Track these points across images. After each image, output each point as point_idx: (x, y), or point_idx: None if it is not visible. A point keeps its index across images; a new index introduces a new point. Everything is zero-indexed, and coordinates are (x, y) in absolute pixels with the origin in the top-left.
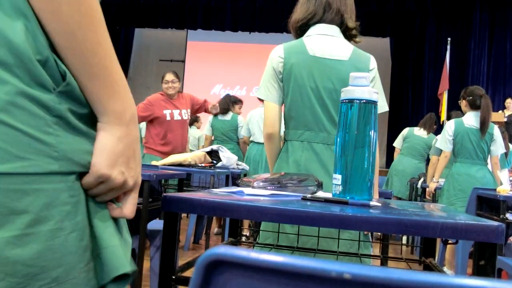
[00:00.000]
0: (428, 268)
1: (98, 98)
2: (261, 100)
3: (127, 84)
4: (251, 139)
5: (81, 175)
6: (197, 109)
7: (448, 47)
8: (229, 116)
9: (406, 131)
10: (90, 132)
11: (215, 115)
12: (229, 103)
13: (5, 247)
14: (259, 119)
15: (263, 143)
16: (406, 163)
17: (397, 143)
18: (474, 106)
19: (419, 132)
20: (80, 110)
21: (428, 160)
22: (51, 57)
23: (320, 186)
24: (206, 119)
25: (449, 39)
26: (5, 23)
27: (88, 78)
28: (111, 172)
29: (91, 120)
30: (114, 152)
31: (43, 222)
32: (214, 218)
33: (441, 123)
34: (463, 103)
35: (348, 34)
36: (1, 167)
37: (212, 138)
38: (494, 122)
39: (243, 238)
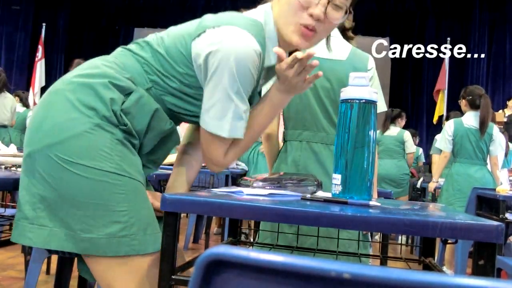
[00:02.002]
0: (427, 267)
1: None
2: None
3: None
4: None
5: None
6: None
7: (448, 46)
8: None
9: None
10: (135, 153)
11: None
12: None
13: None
14: None
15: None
16: (386, 165)
17: None
18: (473, 106)
19: (388, 131)
20: (132, 140)
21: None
22: (119, 112)
23: (319, 186)
24: None
25: (448, 39)
26: (104, 91)
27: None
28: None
29: (136, 147)
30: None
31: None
32: (213, 217)
33: (434, 122)
34: (462, 103)
35: (346, 35)
36: (89, 163)
37: None
38: (494, 122)
39: (243, 238)
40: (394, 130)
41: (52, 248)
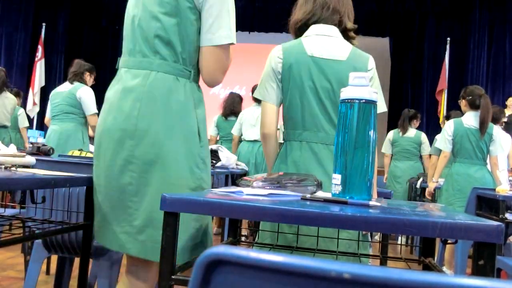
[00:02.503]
0: (427, 268)
1: None
2: (255, 100)
3: None
4: (242, 137)
5: None
6: None
7: (448, 47)
8: (234, 116)
9: (391, 135)
10: (208, 171)
11: (225, 116)
12: (239, 104)
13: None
14: (249, 117)
15: (253, 141)
16: (402, 166)
17: (386, 149)
18: (473, 106)
19: (405, 133)
20: (206, 159)
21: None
22: (203, 134)
23: (319, 186)
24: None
25: (448, 39)
26: (194, 104)
27: None
28: None
29: (207, 165)
30: None
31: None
32: (213, 218)
33: (440, 123)
34: (462, 103)
35: (347, 35)
36: (180, 182)
37: (217, 138)
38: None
39: (243, 238)
40: (411, 132)
41: (148, 258)
